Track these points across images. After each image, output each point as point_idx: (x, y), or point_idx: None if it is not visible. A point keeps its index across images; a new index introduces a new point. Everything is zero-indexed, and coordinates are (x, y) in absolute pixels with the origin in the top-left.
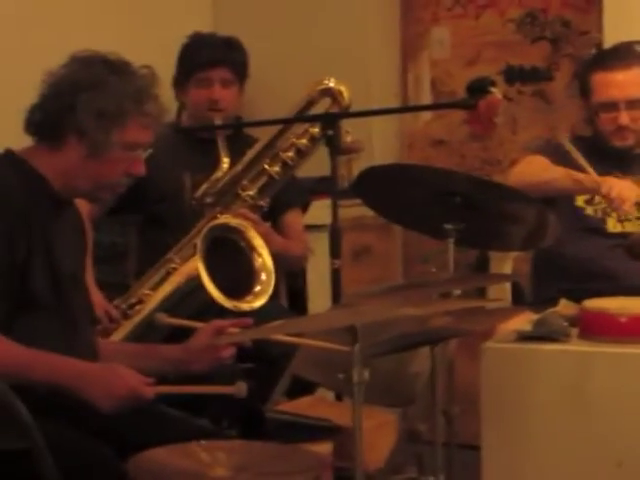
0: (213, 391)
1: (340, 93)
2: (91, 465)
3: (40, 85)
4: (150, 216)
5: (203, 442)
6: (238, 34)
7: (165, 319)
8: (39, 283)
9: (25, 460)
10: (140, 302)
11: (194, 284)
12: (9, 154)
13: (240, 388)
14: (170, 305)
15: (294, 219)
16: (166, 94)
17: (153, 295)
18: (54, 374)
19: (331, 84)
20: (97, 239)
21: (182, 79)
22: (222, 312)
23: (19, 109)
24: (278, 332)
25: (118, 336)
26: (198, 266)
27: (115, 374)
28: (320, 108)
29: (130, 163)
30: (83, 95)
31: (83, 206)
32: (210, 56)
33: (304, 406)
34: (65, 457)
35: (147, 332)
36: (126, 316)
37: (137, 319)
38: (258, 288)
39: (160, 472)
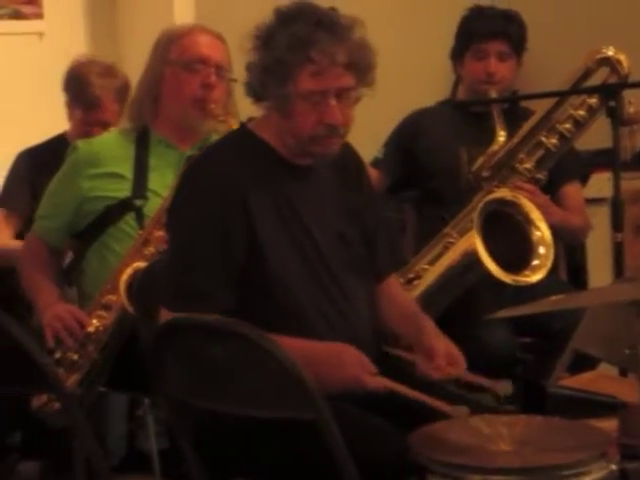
0: (433, 405)
1: (619, 62)
2: (375, 437)
3: None
4: (426, 191)
5: (486, 416)
6: (516, 7)
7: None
8: (279, 262)
9: (312, 430)
10: (418, 277)
11: (471, 259)
12: (241, 128)
13: (459, 412)
14: (447, 280)
15: (573, 191)
16: (445, 68)
17: (430, 270)
18: None
19: (610, 53)
20: None
21: (459, 51)
22: (498, 287)
23: None
24: (560, 306)
25: None
26: (475, 241)
27: (348, 352)
28: (598, 78)
29: (320, 113)
30: (256, 53)
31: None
32: (488, 28)
33: (586, 381)
34: (349, 429)
35: (424, 307)
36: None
37: (415, 294)
38: (536, 262)
39: (442, 445)
